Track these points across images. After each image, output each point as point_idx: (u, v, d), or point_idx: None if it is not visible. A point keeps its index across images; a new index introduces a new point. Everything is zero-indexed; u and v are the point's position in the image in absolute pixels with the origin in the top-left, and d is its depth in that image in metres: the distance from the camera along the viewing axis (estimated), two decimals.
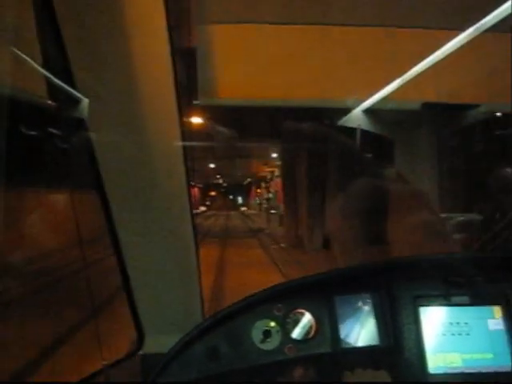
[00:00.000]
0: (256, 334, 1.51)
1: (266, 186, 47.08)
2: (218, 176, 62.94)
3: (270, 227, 27.72)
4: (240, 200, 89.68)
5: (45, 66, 1.34)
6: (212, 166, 37.74)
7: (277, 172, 39.18)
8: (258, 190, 62.09)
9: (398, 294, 1.55)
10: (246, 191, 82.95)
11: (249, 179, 69.46)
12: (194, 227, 1.61)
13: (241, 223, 42.48)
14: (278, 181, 37.08)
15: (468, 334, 1.49)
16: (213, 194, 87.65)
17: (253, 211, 63.18)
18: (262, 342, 1.51)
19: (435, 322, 1.51)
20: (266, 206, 43.60)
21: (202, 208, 64.10)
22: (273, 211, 33.39)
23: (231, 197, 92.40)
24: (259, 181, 58.33)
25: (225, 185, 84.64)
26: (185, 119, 1.49)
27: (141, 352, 1.64)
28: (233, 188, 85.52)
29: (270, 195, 42.59)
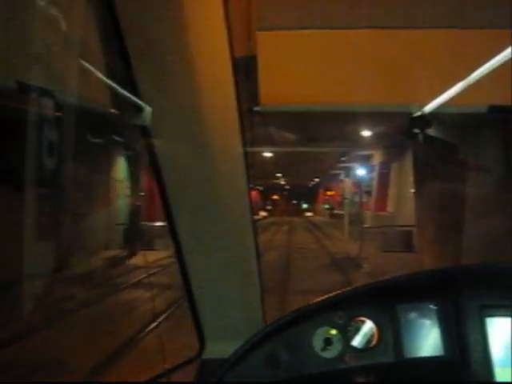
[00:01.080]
0: (317, 342, 1.50)
1: (355, 183, 32.36)
2: (279, 174, 50.59)
3: (372, 254, 15.24)
4: (305, 204, 76.55)
5: (110, 76, 1.37)
6: (269, 156, 28.02)
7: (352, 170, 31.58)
8: (328, 193, 53.83)
9: (463, 303, 1.50)
10: (312, 194, 70.01)
11: (316, 179, 57.90)
12: (255, 234, 1.61)
13: (310, 238, 28.12)
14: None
15: None
16: (275, 197, 76.07)
17: (321, 218, 54.05)
18: (323, 349, 1.49)
19: (503, 333, 1.45)
20: (346, 212, 31.01)
21: (263, 213, 57.34)
22: (367, 225, 21.88)
23: (295, 201, 77.82)
24: (331, 180, 48.04)
25: (287, 187, 70.80)
26: (246, 125, 1.50)
27: (202, 357, 1.66)
28: (297, 190, 71.51)
29: (355, 198, 32.17)
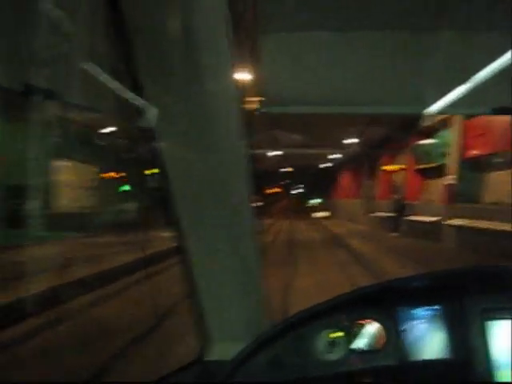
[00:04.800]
0: (321, 344, 1.50)
1: None
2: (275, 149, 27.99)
3: None
4: (315, 199, 48.22)
5: (115, 77, 1.38)
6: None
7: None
8: (387, 167, 25.79)
9: (466, 305, 1.50)
10: (327, 181, 44.56)
11: (337, 154, 33.37)
12: (256, 235, 1.61)
13: None
14: None
15: None
16: (270, 190, 47.50)
17: (357, 226, 28.36)
18: (327, 352, 1.49)
19: (505, 336, 1.45)
20: None
21: None
22: None
23: (297, 191, 49.70)
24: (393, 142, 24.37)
25: (290, 169, 42.84)
26: (250, 126, 1.50)
27: (204, 359, 1.65)
28: (303, 176, 45.10)
29: None
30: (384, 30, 2.09)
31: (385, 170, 26.44)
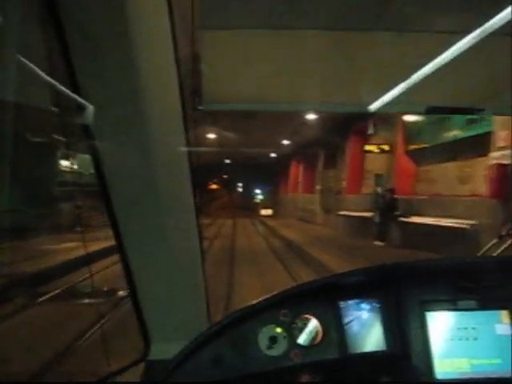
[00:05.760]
0: (262, 340, 1.51)
1: None
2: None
3: None
4: (259, 193, 43.31)
5: (50, 73, 1.34)
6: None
7: None
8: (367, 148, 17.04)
9: (404, 298, 1.54)
10: (274, 173, 39.83)
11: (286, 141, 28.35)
12: (200, 234, 1.61)
13: None
14: None
15: (476, 339, 1.48)
16: (208, 186, 42.42)
17: (316, 228, 23.42)
18: (268, 348, 1.50)
19: (442, 327, 1.51)
20: None
21: None
22: None
23: (240, 188, 44.79)
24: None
25: (227, 161, 37.83)
26: (189, 124, 1.49)
27: (147, 358, 1.64)
28: (246, 168, 37.43)
29: None
30: (323, 30, 2.12)
31: (358, 155, 19.47)
